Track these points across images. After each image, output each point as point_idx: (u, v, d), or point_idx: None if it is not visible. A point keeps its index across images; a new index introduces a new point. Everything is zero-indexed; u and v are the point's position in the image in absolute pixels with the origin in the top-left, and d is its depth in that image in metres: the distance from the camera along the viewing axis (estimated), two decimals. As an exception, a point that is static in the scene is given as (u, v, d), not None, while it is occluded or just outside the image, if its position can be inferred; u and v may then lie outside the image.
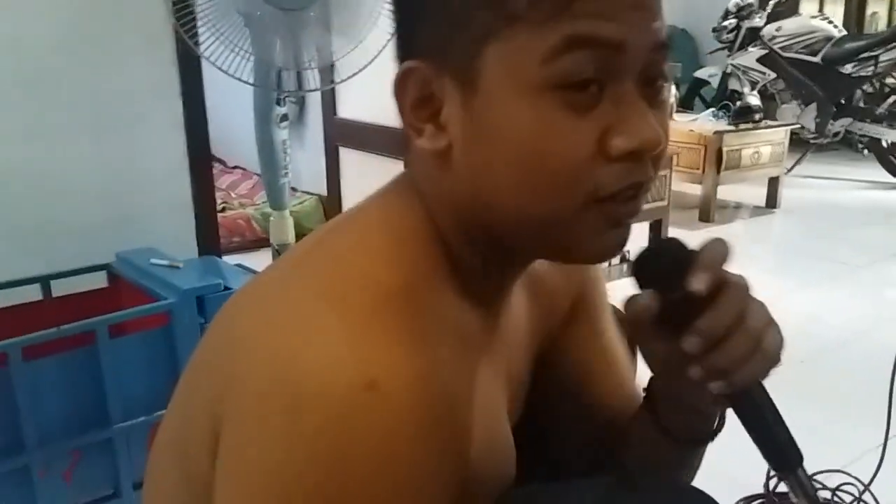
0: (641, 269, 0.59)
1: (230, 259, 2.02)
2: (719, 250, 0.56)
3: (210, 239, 1.96)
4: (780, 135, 4.00)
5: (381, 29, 1.68)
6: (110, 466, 1.35)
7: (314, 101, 3.22)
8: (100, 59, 1.72)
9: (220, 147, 4.20)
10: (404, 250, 0.56)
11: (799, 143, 4.57)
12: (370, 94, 2.64)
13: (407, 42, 0.57)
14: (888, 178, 4.51)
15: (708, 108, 4.38)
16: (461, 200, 0.56)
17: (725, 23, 4.70)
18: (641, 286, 0.58)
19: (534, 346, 0.74)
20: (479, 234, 0.57)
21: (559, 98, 0.50)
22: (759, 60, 4.49)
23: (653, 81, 0.53)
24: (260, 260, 2.10)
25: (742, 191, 4.20)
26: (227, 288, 1.45)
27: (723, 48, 4.82)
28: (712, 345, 0.55)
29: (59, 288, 1.57)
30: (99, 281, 1.64)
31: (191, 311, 1.40)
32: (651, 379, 0.69)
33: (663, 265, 0.57)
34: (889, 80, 4.59)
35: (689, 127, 3.85)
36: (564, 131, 0.51)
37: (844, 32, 4.57)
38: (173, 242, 1.82)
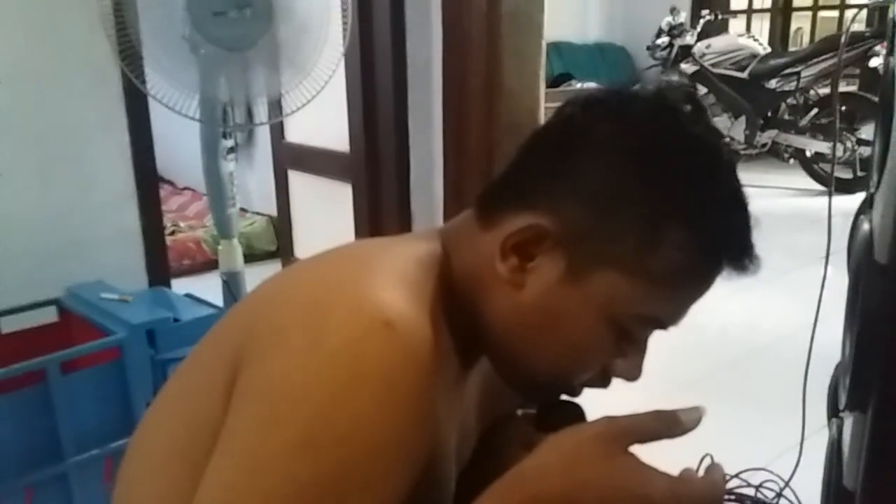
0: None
1: (180, 283, 2.05)
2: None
3: (159, 268, 1.98)
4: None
5: (326, 58, 1.73)
6: (66, 501, 1.37)
7: (263, 126, 3.26)
8: (47, 95, 1.74)
9: (168, 168, 4.19)
10: (429, 279, 0.65)
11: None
12: (316, 119, 2.70)
13: (548, 193, 0.64)
14: (814, 185, 4.73)
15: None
16: (488, 309, 0.66)
17: (659, 41, 4.89)
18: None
19: (481, 417, 0.82)
20: (472, 325, 0.67)
21: (615, 332, 0.64)
22: (691, 76, 4.68)
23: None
24: (210, 284, 2.13)
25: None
26: (176, 320, 1.50)
27: (657, 65, 5.01)
28: None
29: (9, 324, 1.59)
30: (49, 315, 1.66)
31: (141, 345, 1.43)
32: None
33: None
34: (811, 94, 4.84)
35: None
36: (601, 350, 0.65)
37: (769, 50, 4.80)
38: (122, 272, 1.84)
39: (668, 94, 0.66)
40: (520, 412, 0.86)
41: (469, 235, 0.69)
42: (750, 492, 1.65)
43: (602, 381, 0.69)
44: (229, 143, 1.80)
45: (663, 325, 0.66)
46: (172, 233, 3.52)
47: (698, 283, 0.65)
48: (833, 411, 1.12)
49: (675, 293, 0.64)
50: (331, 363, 0.53)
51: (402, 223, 2.38)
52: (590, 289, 0.62)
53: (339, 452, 0.52)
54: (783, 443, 1.66)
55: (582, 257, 0.62)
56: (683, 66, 4.74)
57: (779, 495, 1.63)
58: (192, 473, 0.56)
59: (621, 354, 0.67)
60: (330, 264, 0.65)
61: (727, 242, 0.64)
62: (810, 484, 1.10)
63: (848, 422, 0.90)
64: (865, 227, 0.88)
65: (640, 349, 0.68)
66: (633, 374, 0.68)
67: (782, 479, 1.65)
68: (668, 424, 0.60)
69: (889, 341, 0.73)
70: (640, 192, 0.61)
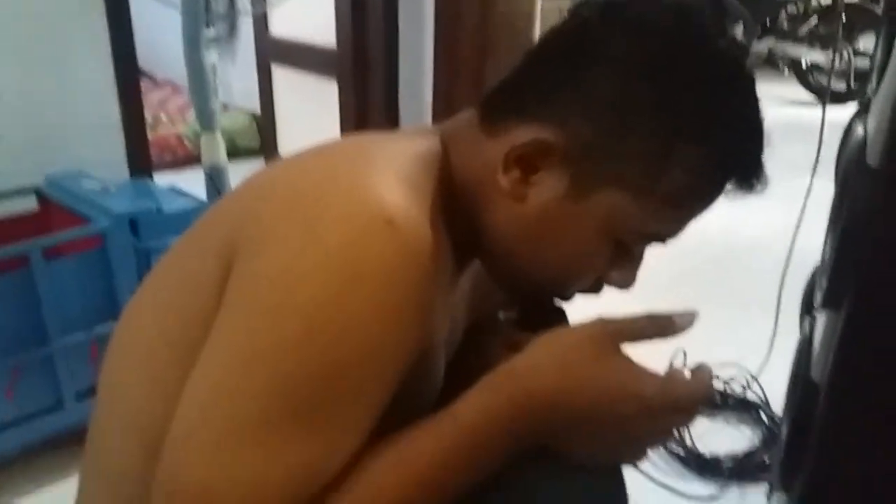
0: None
1: (162, 177, 2.02)
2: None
3: (141, 160, 1.95)
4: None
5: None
6: (52, 381, 1.39)
7: (247, 17, 3.14)
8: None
9: (149, 62, 4.06)
10: (429, 178, 0.63)
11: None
12: (303, 12, 2.60)
13: (555, 105, 0.62)
14: (807, 96, 4.68)
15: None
16: (487, 216, 0.66)
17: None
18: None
19: (470, 312, 0.82)
20: (470, 228, 0.67)
21: (614, 247, 0.64)
22: (690, -21, 4.53)
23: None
24: (192, 179, 2.10)
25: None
26: (159, 211, 1.48)
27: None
28: None
29: (-12, 212, 1.57)
30: (29, 205, 1.64)
31: (124, 234, 1.43)
32: None
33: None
34: (812, 3, 4.71)
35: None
36: (598, 263, 0.66)
37: (771, -47, 4.64)
38: (103, 164, 1.81)
39: (691, 2, 0.62)
40: (501, 314, 0.87)
41: (471, 139, 0.67)
42: (718, 385, 1.71)
43: (595, 289, 0.69)
44: (211, 33, 1.74)
45: (662, 240, 0.66)
46: (153, 127, 3.44)
47: (704, 202, 0.64)
48: (807, 310, 1.14)
49: (679, 212, 0.64)
50: (328, 262, 0.52)
51: (390, 125, 2.34)
52: (592, 206, 0.62)
53: (334, 353, 0.51)
54: (755, 341, 1.72)
55: (587, 175, 0.61)
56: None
57: (745, 388, 1.70)
58: (182, 363, 0.56)
59: (617, 266, 0.67)
60: (326, 158, 0.63)
61: (739, 164, 0.63)
62: (777, 380, 1.15)
63: (821, 319, 0.92)
64: (859, 131, 0.87)
65: (635, 261, 0.68)
66: (627, 284, 0.69)
67: (751, 374, 1.71)
68: (662, 326, 0.61)
69: (871, 241, 0.74)
70: (653, 111, 0.60)
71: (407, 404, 0.58)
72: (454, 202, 0.65)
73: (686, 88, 0.60)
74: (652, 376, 0.58)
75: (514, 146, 0.62)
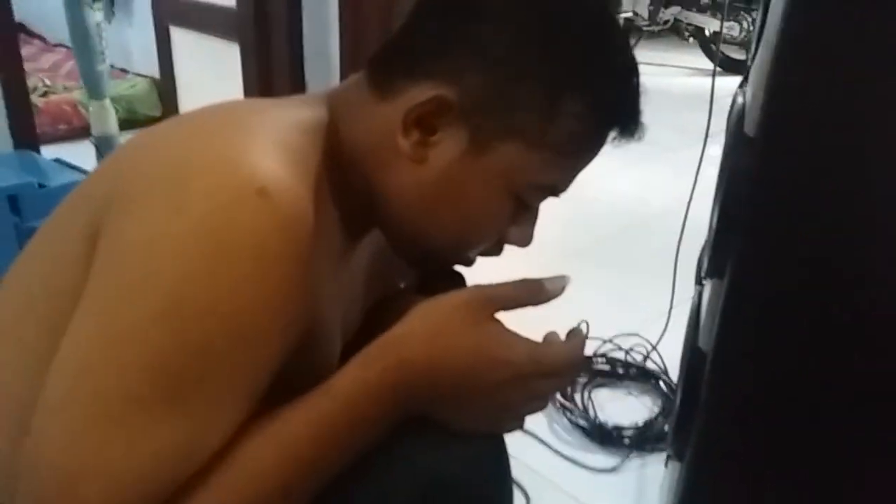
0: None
1: (53, 150, 1.91)
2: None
3: (25, 130, 1.83)
4: (616, 22, 4.15)
5: None
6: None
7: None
8: None
9: (38, 22, 3.80)
10: (312, 147, 0.61)
11: (632, 31, 4.77)
12: (199, -31, 2.48)
13: (448, 62, 0.62)
14: (710, 65, 4.82)
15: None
16: (384, 183, 0.64)
17: None
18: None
19: (370, 291, 0.81)
20: (363, 198, 0.65)
21: (513, 202, 0.65)
22: (600, -55, 4.57)
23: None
24: (85, 150, 1.99)
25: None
26: (42, 185, 1.40)
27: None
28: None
29: None
30: None
31: (3, 211, 1.34)
32: None
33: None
34: (716, -30, 4.84)
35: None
36: (499, 221, 0.66)
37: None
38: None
39: None
40: (402, 285, 0.86)
41: (361, 104, 0.65)
42: (620, 355, 1.76)
43: (496, 249, 0.70)
44: (96, -11, 1.63)
45: (556, 192, 0.67)
46: (44, 94, 3.23)
47: (592, 150, 0.66)
48: (697, 280, 1.18)
49: (571, 161, 0.65)
50: (196, 231, 0.50)
51: (296, 88, 2.27)
52: (491, 161, 0.62)
53: (204, 324, 0.50)
54: (656, 310, 1.76)
55: (484, 130, 0.62)
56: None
57: (645, 357, 1.75)
58: (49, 338, 0.53)
59: (515, 223, 0.68)
60: (199, 125, 0.60)
61: (621, 110, 0.65)
62: (676, 348, 1.19)
63: (707, 288, 0.95)
64: (739, 100, 0.90)
65: (532, 217, 0.69)
66: (525, 241, 0.69)
67: (651, 344, 1.76)
68: (533, 292, 0.62)
69: (749, 210, 0.76)
70: (539, 62, 0.61)
71: (298, 385, 0.57)
72: (343, 171, 0.64)
73: (568, 42, 0.62)
74: (524, 342, 0.59)
75: (412, 106, 0.61)
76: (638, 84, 0.66)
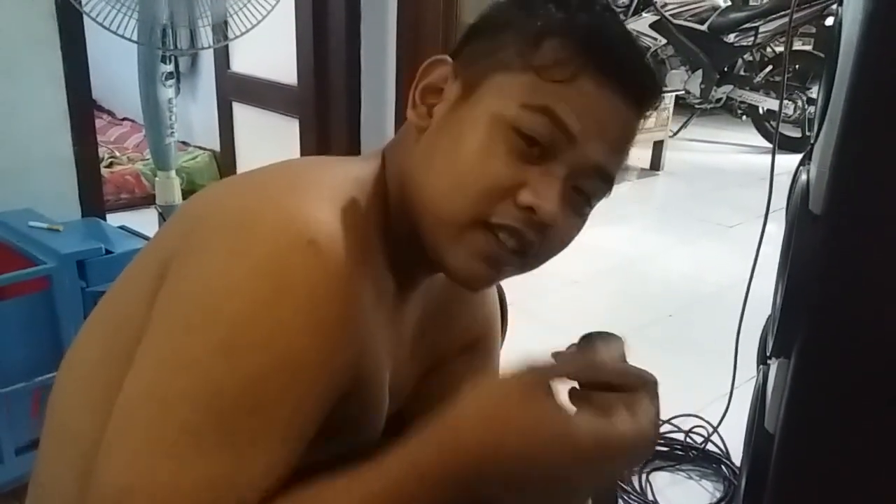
0: None
1: (116, 218, 1.98)
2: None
3: (93, 199, 1.91)
4: (666, 100, 4.18)
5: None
6: (-10, 433, 1.33)
7: (207, 54, 3.13)
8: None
9: (108, 98, 4.01)
10: (364, 197, 0.65)
11: (684, 108, 4.81)
12: (264, 49, 2.60)
13: (460, 47, 0.68)
14: (763, 142, 4.80)
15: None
16: (407, 171, 0.67)
17: (620, -12, 4.83)
18: None
19: (418, 355, 0.80)
20: (410, 240, 0.67)
21: (510, 138, 0.63)
22: (652, 26, 4.64)
23: (580, 192, 0.65)
24: (147, 219, 2.06)
25: (629, 154, 4.41)
26: (108, 252, 1.44)
27: (620, 11, 4.96)
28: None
29: (-70, 251, 1.52)
30: (-27, 244, 1.59)
31: (71, 276, 1.39)
32: None
33: None
34: (768, 51, 4.86)
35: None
36: (497, 159, 0.63)
37: (730, 3, 4.79)
38: (55, 202, 1.77)
39: None
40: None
41: (403, 139, 0.70)
42: (680, 437, 1.70)
43: (521, 215, 0.64)
44: (168, 67, 1.73)
45: (567, 128, 0.63)
46: (110, 165, 3.38)
47: (582, 83, 0.63)
48: (761, 359, 1.14)
49: (560, 87, 0.62)
50: (253, 272, 0.54)
51: (351, 162, 2.32)
52: (480, 96, 0.64)
53: (258, 358, 0.53)
54: (716, 391, 1.71)
55: (473, 74, 0.65)
56: (644, 14, 4.70)
57: (706, 440, 1.68)
58: (122, 377, 0.56)
59: (527, 178, 0.63)
60: (257, 181, 0.65)
61: (597, 38, 0.64)
62: (738, 430, 1.14)
63: (773, 368, 0.92)
64: (803, 177, 0.88)
65: (551, 180, 0.64)
66: (544, 202, 0.63)
67: (711, 425, 1.70)
68: (589, 360, 0.60)
69: (816, 289, 0.74)
70: (519, 17, 0.66)
71: (344, 435, 0.59)
72: (392, 215, 0.67)
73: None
74: (586, 420, 0.55)
75: (417, 80, 0.67)
76: (615, 20, 0.69)
